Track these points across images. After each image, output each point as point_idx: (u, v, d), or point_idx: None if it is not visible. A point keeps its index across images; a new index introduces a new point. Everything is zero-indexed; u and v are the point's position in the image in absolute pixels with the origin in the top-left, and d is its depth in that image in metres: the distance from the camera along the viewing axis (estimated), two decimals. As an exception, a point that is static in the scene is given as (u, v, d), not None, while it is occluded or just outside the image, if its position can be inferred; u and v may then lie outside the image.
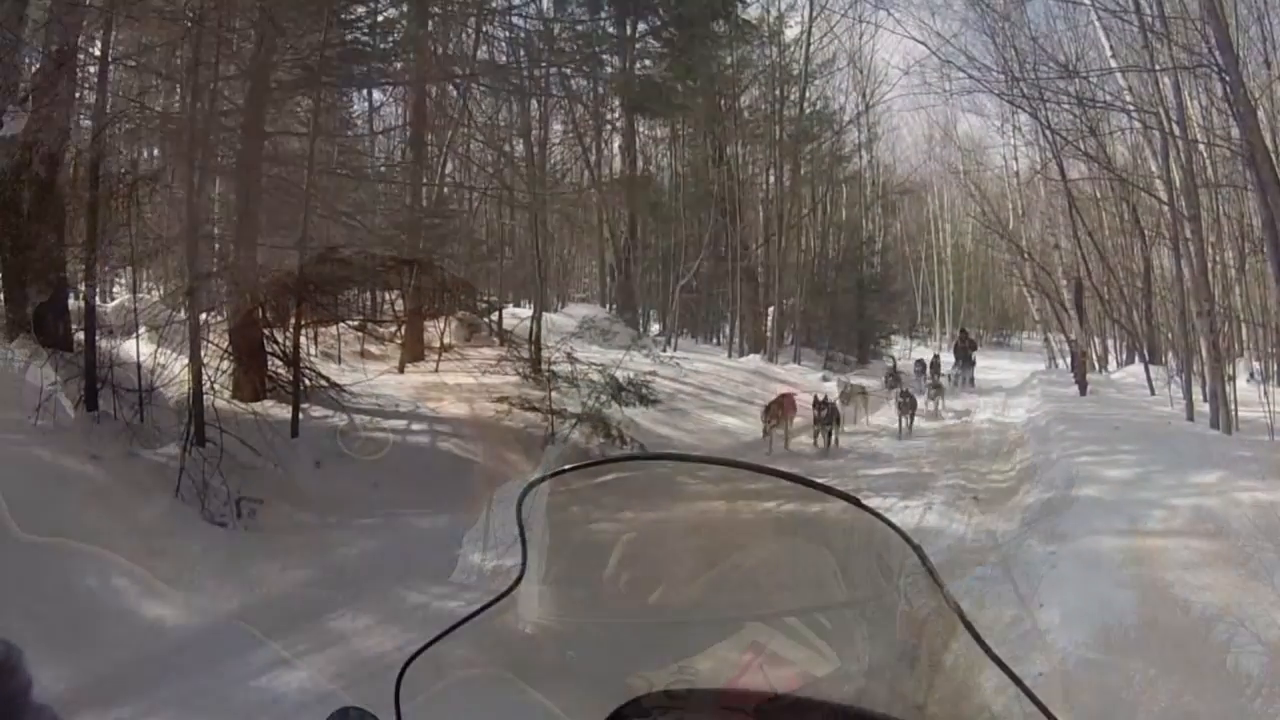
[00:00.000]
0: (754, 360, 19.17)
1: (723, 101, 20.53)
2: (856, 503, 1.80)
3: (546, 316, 16.05)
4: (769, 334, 20.12)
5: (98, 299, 10.37)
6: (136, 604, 6.49)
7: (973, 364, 20.30)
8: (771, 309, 20.36)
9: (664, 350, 17.56)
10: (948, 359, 20.57)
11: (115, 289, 14.33)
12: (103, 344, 9.94)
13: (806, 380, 18.28)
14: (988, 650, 1.65)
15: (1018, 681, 1.62)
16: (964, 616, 1.71)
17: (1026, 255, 20.83)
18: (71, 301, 10.54)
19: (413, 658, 1.77)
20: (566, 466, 2.11)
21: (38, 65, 10.46)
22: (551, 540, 2.07)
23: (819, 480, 1.83)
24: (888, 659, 2.14)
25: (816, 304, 21.44)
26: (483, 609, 1.89)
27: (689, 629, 2.23)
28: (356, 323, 13.51)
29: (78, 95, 10.71)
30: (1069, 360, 17.98)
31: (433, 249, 12.97)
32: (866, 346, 21.84)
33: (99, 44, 10.68)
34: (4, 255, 10.43)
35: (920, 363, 19.82)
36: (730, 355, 19.74)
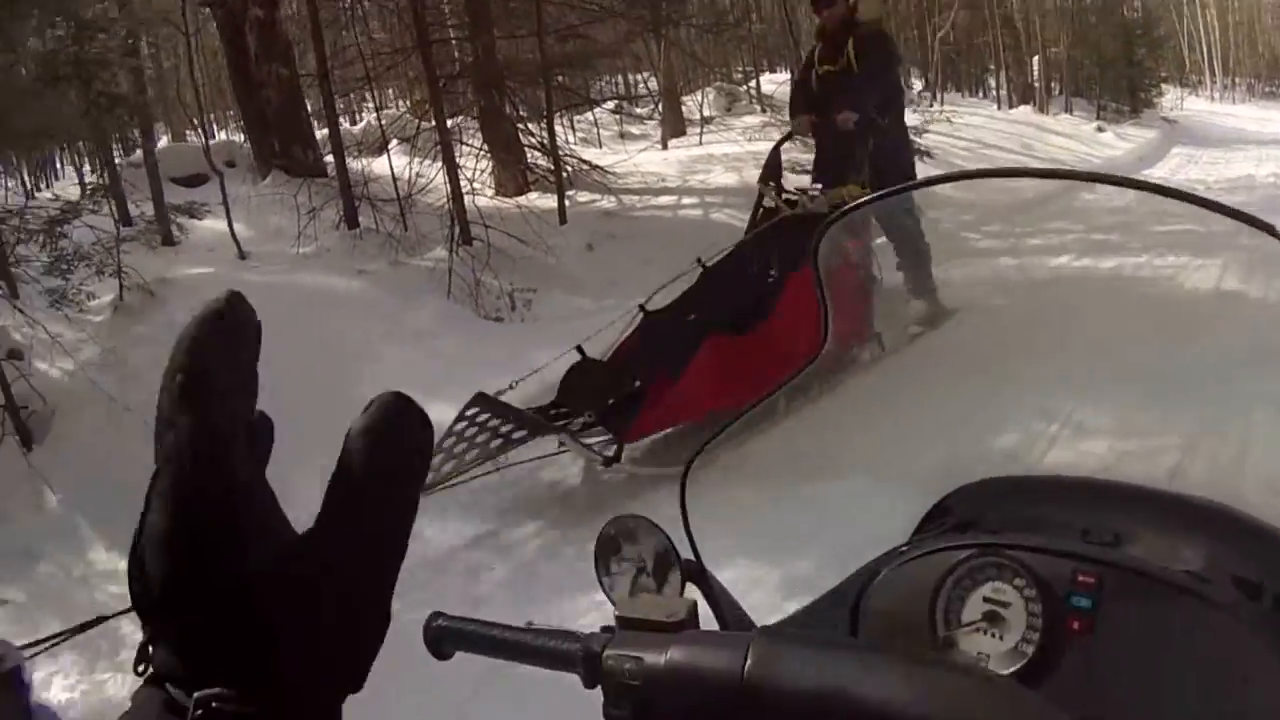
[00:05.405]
0: (1024, 111, 17.84)
1: None
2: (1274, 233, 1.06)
3: (809, 78, 14.62)
4: (1036, 84, 18.89)
5: (344, 121, 9.85)
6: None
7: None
8: (1035, 58, 19.06)
9: (930, 105, 16.01)
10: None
11: (361, 111, 13.95)
12: (356, 164, 9.42)
13: (1080, 131, 16.99)
14: None
15: None
16: None
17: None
18: (318, 130, 10.12)
19: (695, 454, 1.47)
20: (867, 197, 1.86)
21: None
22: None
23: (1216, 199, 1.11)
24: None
25: (1081, 52, 19.42)
26: (774, 391, 1.73)
27: (1008, 402, 2.28)
28: (612, 105, 12.56)
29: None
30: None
31: (674, 18, 11.69)
32: (1138, 95, 19.68)
33: None
34: (239, 98, 10.16)
35: None
36: (1000, 107, 18.30)
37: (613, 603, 1.32)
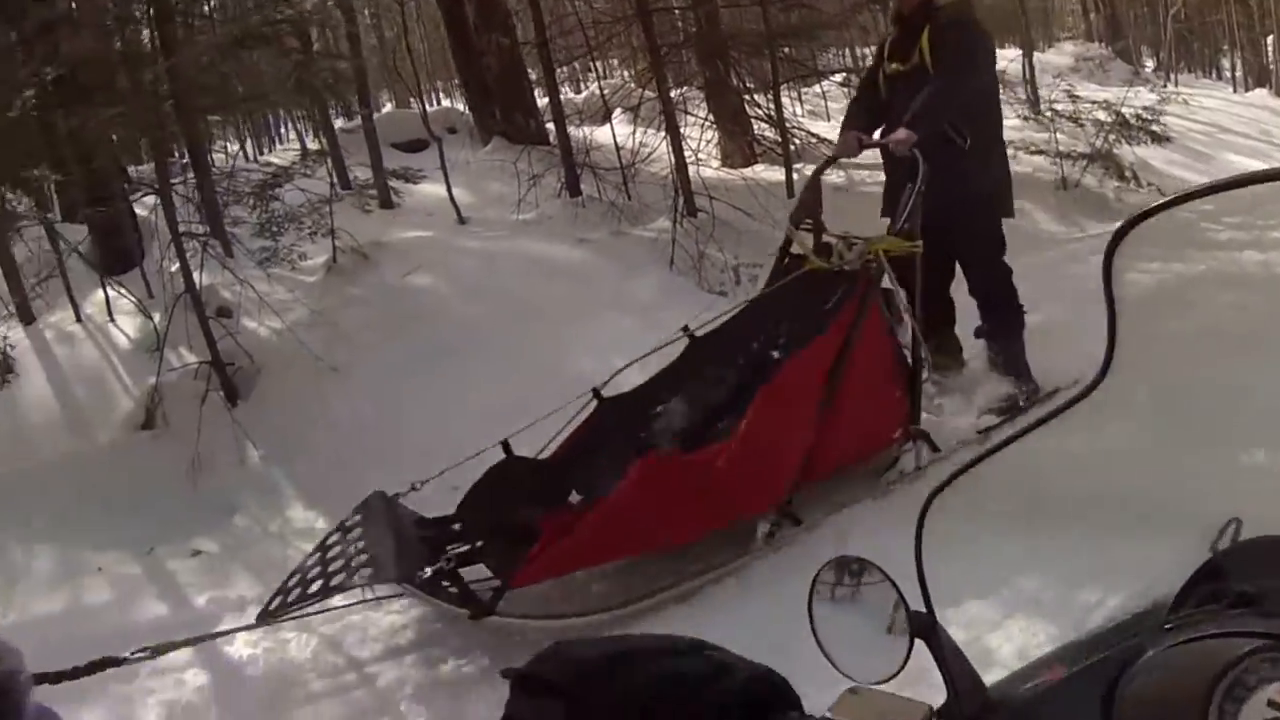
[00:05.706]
0: (1260, 95, 16.36)
1: None
2: None
3: (1037, 56, 13.92)
4: (1272, 66, 17.56)
5: (567, 90, 9.67)
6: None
7: None
8: (1270, 38, 17.70)
9: (1163, 86, 14.83)
10: None
11: (584, 79, 13.79)
12: (578, 132, 9.16)
13: (1320, 118, 15.62)
14: None
15: None
16: None
17: None
18: (540, 99, 10.04)
19: (937, 491, 1.30)
20: (1171, 197, 1.19)
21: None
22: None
23: None
24: None
25: (1316, 32, 17.96)
26: (1037, 425, 1.33)
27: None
28: (839, 78, 11.96)
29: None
30: None
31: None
32: (1382, 78, 18.07)
33: None
34: (460, 66, 10.20)
35: None
36: (1235, 90, 17.11)
37: (827, 657, 1.25)
